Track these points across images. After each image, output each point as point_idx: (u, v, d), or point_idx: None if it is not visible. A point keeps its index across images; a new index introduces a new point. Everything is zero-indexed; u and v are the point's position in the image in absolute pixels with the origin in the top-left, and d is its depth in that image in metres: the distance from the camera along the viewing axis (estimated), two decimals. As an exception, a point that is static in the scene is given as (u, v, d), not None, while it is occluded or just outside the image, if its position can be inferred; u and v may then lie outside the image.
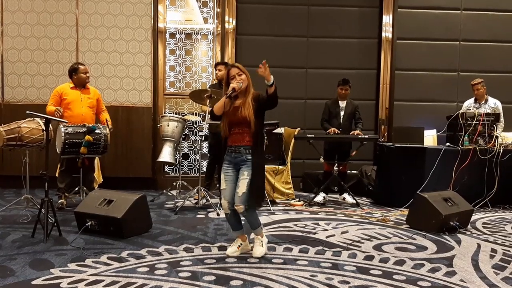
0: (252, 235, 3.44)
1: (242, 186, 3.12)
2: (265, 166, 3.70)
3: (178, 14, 6.52)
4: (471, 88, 5.89)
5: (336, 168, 5.45)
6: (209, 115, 4.59)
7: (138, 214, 3.82)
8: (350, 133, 5.41)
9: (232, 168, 3.22)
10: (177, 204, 4.94)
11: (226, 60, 6.22)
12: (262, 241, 3.34)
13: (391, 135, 6.25)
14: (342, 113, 5.57)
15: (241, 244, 3.32)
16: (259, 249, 3.27)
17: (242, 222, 3.37)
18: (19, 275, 2.79)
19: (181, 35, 6.52)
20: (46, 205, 3.53)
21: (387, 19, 6.63)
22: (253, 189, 3.14)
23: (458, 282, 2.82)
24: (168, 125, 5.02)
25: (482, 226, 4.42)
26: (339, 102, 5.60)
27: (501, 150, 5.25)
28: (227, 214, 3.25)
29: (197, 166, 6.51)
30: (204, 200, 5.07)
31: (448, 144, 5.44)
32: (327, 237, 3.87)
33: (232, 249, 3.29)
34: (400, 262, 3.20)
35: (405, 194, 4.99)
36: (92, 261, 3.08)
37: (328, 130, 5.48)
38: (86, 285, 2.65)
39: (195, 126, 6.52)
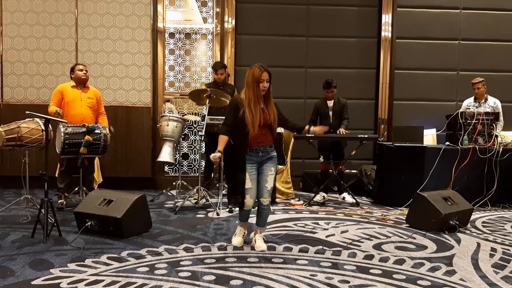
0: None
1: (271, 181, 3.42)
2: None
3: (178, 14, 6.52)
4: (472, 87, 5.88)
5: (334, 167, 5.46)
6: (208, 116, 4.62)
7: (138, 214, 3.82)
8: (337, 133, 5.40)
9: (256, 167, 3.41)
10: (177, 204, 4.94)
11: (225, 60, 6.22)
12: (262, 236, 3.56)
13: (390, 134, 6.24)
14: (331, 113, 5.58)
15: (244, 233, 3.59)
16: (263, 244, 3.46)
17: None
18: (19, 275, 2.79)
19: (181, 35, 6.52)
20: (46, 205, 3.53)
21: (387, 18, 6.63)
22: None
23: (458, 281, 2.83)
24: (167, 125, 5.02)
25: (482, 225, 4.43)
26: (327, 102, 5.61)
27: (501, 149, 5.25)
28: (248, 211, 3.47)
29: (196, 166, 6.51)
30: (203, 200, 5.07)
31: (447, 143, 5.44)
32: (327, 236, 3.87)
33: (238, 239, 3.52)
34: (400, 261, 3.20)
35: (405, 193, 4.99)
36: (92, 261, 3.08)
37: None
38: (86, 285, 2.65)
39: (195, 126, 6.52)
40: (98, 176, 5.49)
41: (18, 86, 6.20)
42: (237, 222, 3.69)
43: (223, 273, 2.89)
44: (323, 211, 5.02)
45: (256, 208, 3.50)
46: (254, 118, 3.30)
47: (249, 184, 3.36)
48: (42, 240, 3.50)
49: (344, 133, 5.35)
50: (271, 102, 3.44)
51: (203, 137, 5.41)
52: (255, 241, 3.47)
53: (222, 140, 3.41)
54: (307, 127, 3.72)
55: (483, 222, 4.59)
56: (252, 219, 3.64)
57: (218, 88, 5.30)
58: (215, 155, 3.33)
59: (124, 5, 6.23)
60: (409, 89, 6.69)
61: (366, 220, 4.57)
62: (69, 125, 4.56)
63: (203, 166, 5.80)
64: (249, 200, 3.37)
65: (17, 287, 2.62)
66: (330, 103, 5.59)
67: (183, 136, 5.29)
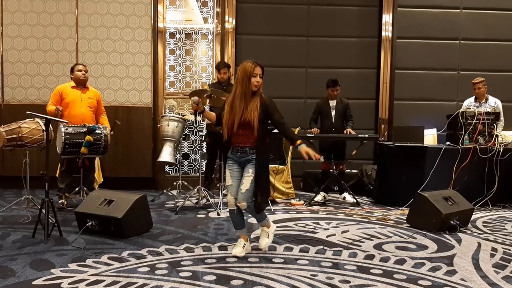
0: (255, 233, 3.45)
1: (246, 183, 3.19)
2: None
3: (178, 14, 6.52)
4: (472, 86, 5.88)
5: (334, 167, 5.46)
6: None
7: (138, 214, 3.82)
8: (344, 132, 5.42)
9: (237, 166, 3.29)
10: (177, 204, 4.95)
11: (226, 60, 6.22)
12: (268, 232, 3.39)
13: (391, 134, 6.24)
14: (333, 112, 5.57)
15: (245, 244, 3.32)
16: (265, 240, 3.34)
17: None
18: (20, 276, 2.79)
19: (181, 35, 6.52)
20: (47, 205, 3.53)
21: (387, 18, 6.62)
22: (260, 187, 3.21)
23: (459, 281, 2.83)
24: (168, 125, 5.02)
25: (483, 225, 4.42)
26: (330, 101, 5.60)
27: (501, 149, 5.25)
28: (232, 210, 3.28)
29: (197, 166, 6.51)
30: (204, 200, 5.08)
31: (448, 143, 5.44)
32: (327, 236, 3.87)
33: (238, 250, 3.28)
34: (401, 261, 3.20)
35: (406, 193, 4.99)
36: (93, 261, 3.08)
37: (310, 131, 5.49)
38: (86, 285, 2.65)
39: (195, 126, 6.52)
40: (98, 176, 5.50)
41: (18, 86, 6.20)
42: (234, 232, 3.45)
43: (223, 273, 2.89)
44: (323, 211, 5.02)
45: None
46: (229, 118, 3.19)
47: (228, 181, 3.27)
48: (43, 240, 3.51)
49: (352, 133, 5.34)
50: (255, 100, 3.18)
51: (204, 137, 5.42)
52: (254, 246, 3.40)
53: (213, 113, 3.45)
54: (299, 141, 3.22)
55: (484, 222, 4.58)
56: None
57: (222, 88, 5.29)
58: (195, 98, 3.33)
59: (124, 5, 6.23)
60: (410, 89, 6.69)
61: (367, 220, 4.57)
62: (70, 125, 4.56)
63: (204, 166, 5.80)
64: (229, 198, 3.26)
65: (18, 287, 2.62)
66: (333, 103, 5.58)
67: (183, 136, 5.29)
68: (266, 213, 3.34)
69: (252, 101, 3.18)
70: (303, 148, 3.19)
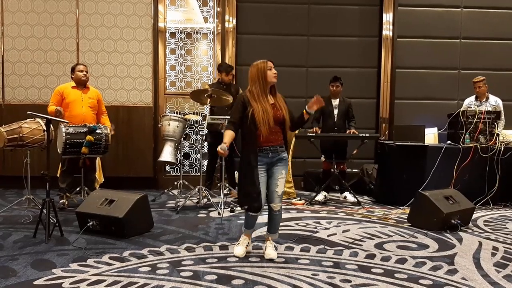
0: (254, 234, 3.46)
1: (281, 186, 3.18)
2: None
3: (178, 13, 6.52)
4: (473, 85, 5.87)
5: (335, 167, 5.46)
6: (209, 116, 4.55)
7: (139, 214, 3.82)
8: (347, 132, 5.42)
9: (265, 169, 3.15)
10: (178, 204, 4.95)
11: (226, 60, 6.21)
12: (273, 243, 3.35)
13: (392, 133, 6.24)
14: (336, 111, 5.56)
15: (248, 243, 3.34)
16: (274, 252, 3.23)
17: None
18: (21, 276, 2.80)
19: (182, 34, 6.52)
20: (48, 205, 3.54)
21: (388, 17, 6.62)
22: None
23: (460, 280, 2.83)
24: (169, 125, 5.03)
25: (484, 224, 4.42)
26: (332, 100, 5.59)
27: (502, 148, 5.25)
28: (256, 216, 3.20)
29: (198, 165, 6.51)
30: (205, 200, 5.08)
31: (449, 142, 5.44)
32: (328, 235, 3.87)
33: (242, 249, 3.27)
34: (402, 261, 3.20)
35: (406, 193, 4.98)
36: (94, 261, 3.08)
37: (311, 130, 5.48)
38: (88, 285, 2.66)
39: (196, 125, 6.52)
40: (99, 176, 5.49)
41: (19, 86, 6.20)
42: (242, 229, 3.40)
43: (224, 273, 2.89)
44: (324, 210, 5.02)
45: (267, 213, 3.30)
46: (264, 115, 3.06)
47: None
48: (44, 240, 3.51)
49: (356, 133, 5.34)
50: (278, 96, 3.24)
51: (205, 136, 5.42)
52: (265, 248, 3.28)
53: (228, 134, 3.10)
54: (304, 111, 3.27)
55: (485, 221, 4.58)
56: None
57: (222, 88, 5.30)
58: (222, 146, 3.00)
59: (125, 5, 6.23)
60: (411, 88, 6.68)
61: (368, 219, 4.57)
62: (71, 125, 4.57)
63: (205, 165, 5.80)
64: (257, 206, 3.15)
65: (19, 287, 2.62)
66: (335, 102, 5.58)
67: (184, 136, 5.29)
68: (266, 213, 3.33)
69: (279, 98, 3.24)
70: (310, 105, 3.29)
